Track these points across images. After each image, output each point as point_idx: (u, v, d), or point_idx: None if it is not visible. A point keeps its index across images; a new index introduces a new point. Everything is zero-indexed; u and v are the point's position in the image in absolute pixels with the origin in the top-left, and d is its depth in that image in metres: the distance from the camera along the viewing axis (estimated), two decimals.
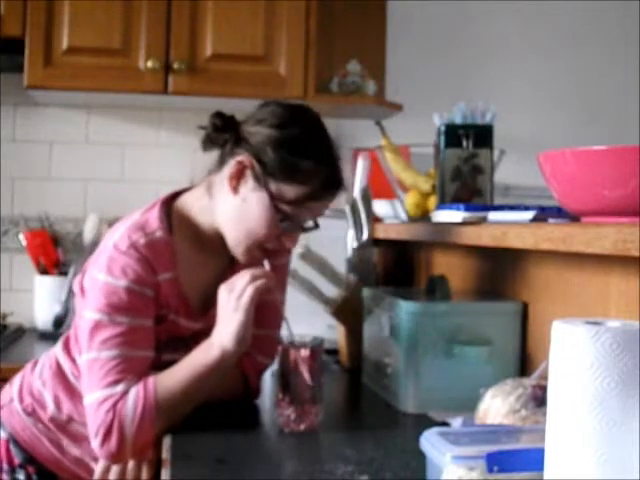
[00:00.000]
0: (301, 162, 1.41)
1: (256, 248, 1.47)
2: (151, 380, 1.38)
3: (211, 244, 1.51)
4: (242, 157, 1.43)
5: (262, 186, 1.42)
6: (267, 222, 1.43)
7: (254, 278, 1.41)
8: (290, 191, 1.41)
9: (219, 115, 1.47)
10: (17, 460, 1.57)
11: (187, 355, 1.43)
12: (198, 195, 1.52)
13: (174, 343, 1.49)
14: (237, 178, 1.44)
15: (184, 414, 1.41)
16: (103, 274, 1.40)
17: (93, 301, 1.41)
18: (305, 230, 1.50)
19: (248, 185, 1.43)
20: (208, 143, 1.48)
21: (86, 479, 1.54)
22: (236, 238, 1.47)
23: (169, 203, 1.52)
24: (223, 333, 1.41)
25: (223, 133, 1.46)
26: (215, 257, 1.53)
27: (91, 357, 1.39)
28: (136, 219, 1.47)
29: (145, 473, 1.40)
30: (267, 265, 1.47)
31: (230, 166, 1.44)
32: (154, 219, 1.47)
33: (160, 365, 1.45)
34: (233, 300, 1.40)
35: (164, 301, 1.46)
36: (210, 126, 1.47)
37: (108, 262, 1.41)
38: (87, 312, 1.41)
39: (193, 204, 1.52)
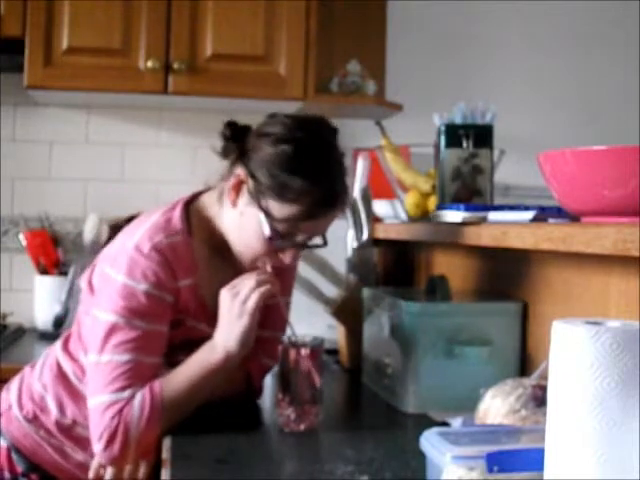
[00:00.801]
0: (292, 180, 1.38)
1: (258, 260, 1.46)
2: (157, 383, 1.38)
3: (227, 248, 1.50)
4: (239, 171, 1.43)
5: (255, 202, 1.41)
6: (260, 239, 1.42)
7: (259, 284, 1.40)
8: (280, 210, 1.40)
9: (230, 125, 1.47)
10: (20, 468, 1.55)
11: (189, 357, 1.42)
12: (212, 200, 1.51)
13: (188, 345, 1.48)
14: (235, 191, 1.44)
15: (186, 415, 1.40)
16: (122, 275, 1.39)
17: (109, 302, 1.39)
18: (311, 247, 1.50)
19: (244, 199, 1.43)
20: (223, 151, 1.48)
21: None
22: (238, 249, 1.47)
23: (189, 204, 1.52)
24: (227, 336, 1.41)
25: (230, 143, 1.46)
26: (232, 260, 1.51)
27: (103, 360, 1.38)
28: (157, 219, 1.46)
29: (142, 473, 1.40)
30: (269, 267, 1.46)
31: (230, 179, 1.44)
32: (177, 219, 1.46)
33: (173, 365, 1.45)
34: (237, 305, 1.40)
35: (183, 306, 1.46)
36: (221, 135, 1.47)
37: (129, 264, 1.39)
38: (101, 313, 1.40)
39: (209, 208, 1.52)
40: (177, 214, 1.47)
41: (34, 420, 1.54)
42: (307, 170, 1.39)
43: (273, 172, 1.39)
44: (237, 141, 1.45)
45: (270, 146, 1.40)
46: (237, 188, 1.43)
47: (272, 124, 1.43)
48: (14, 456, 1.55)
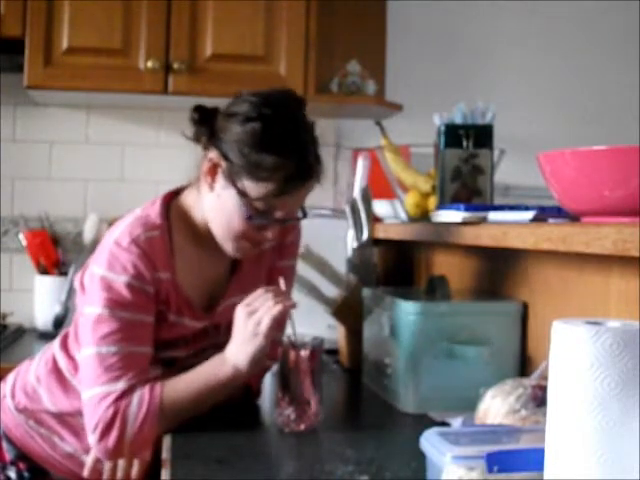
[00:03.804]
0: (262, 158, 1.38)
1: (241, 241, 1.46)
2: (158, 386, 1.39)
3: (211, 240, 1.51)
4: (212, 154, 1.44)
5: (230, 184, 1.42)
6: (239, 218, 1.43)
7: (275, 304, 1.39)
8: (255, 189, 1.40)
9: (198, 109, 1.47)
10: (9, 456, 1.58)
11: (197, 366, 1.43)
12: (191, 191, 1.53)
13: (174, 341, 1.50)
14: (211, 175, 1.44)
15: (185, 421, 1.41)
16: (103, 269, 1.41)
17: (94, 296, 1.41)
18: (292, 220, 1.50)
19: (220, 182, 1.44)
20: (194, 136, 1.49)
21: (78, 474, 1.54)
22: (219, 234, 1.48)
23: (169, 200, 1.53)
24: (238, 353, 1.41)
25: (200, 126, 1.47)
26: (216, 253, 1.53)
27: (91, 352, 1.39)
28: (137, 215, 1.48)
29: (135, 472, 1.40)
30: (283, 285, 1.47)
31: (204, 163, 1.45)
32: (155, 215, 1.48)
33: (159, 361, 1.46)
34: (252, 325, 1.39)
35: (164, 298, 1.46)
36: (190, 120, 1.48)
37: (109, 258, 1.41)
38: (88, 308, 1.42)
39: (186, 201, 1.53)
40: (156, 209, 1.49)
41: (24, 410, 1.57)
42: (277, 146, 1.39)
43: (244, 151, 1.39)
44: (206, 124, 1.46)
45: (239, 125, 1.41)
46: (212, 171, 1.44)
47: (239, 103, 1.44)
48: (4, 444, 1.58)
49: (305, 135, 1.44)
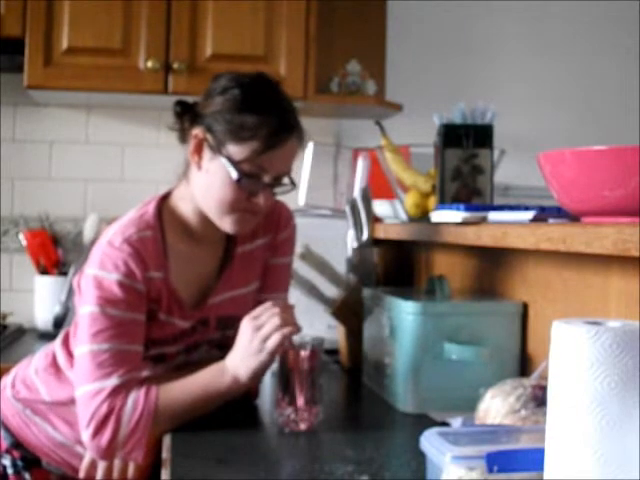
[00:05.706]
0: (244, 119, 1.42)
1: (237, 212, 1.47)
2: (154, 389, 1.40)
3: (203, 235, 1.53)
4: (195, 131, 1.47)
5: (217, 153, 1.44)
6: (230, 186, 1.44)
7: (284, 323, 1.39)
8: (240, 151, 1.42)
9: (179, 103, 1.52)
10: (5, 444, 1.59)
11: (196, 372, 1.44)
12: (180, 185, 1.55)
13: (163, 338, 1.51)
14: (197, 153, 1.47)
15: (180, 425, 1.41)
16: (96, 268, 1.42)
17: (87, 295, 1.43)
18: (280, 186, 1.50)
19: (207, 157, 1.46)
20: (180, 133, 1.52)
21: (70, 463, 1.56)
22: (214, 212, 1.48)
23: (163, 200, 1.54)
24: (240, 366, 1.41)
25: (183, 117, 1.50)
26: (208, 248, 1.55)
27: (84, 350, 1.41)
28: (131, 216, 1.50)
29: (131, 471, 1.40)
30: (292, 303, 1.47)
31: (190, 144, 1.48)
32: (149, 215, 1.49)
33: (148, 358, 1.47)
34: (258, 340, 1.39)
35: (154, 297, 1.47)
36: (173, 115, 1.51)
37: (101, 257, 1.43)
38: (81, 307, 1.44)
39: (176, 195, 1.54)
40: (150, 210, 1.50)
41: (22, 399, 1.59)
42: (257, 106, 1.44)
43: (227, 117, 1.43)
44: (189, 112, 1.50)
45: (219, 97, 1.45)
46: (198, 148, 1.47)
47: (216, 81, 1.49)
48: (2, 433, 1.60)
49: (283, 99, 1.49)
